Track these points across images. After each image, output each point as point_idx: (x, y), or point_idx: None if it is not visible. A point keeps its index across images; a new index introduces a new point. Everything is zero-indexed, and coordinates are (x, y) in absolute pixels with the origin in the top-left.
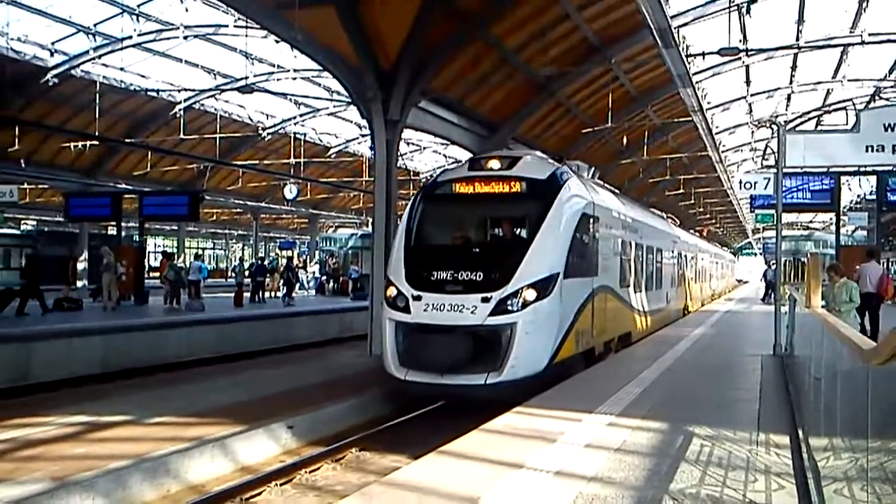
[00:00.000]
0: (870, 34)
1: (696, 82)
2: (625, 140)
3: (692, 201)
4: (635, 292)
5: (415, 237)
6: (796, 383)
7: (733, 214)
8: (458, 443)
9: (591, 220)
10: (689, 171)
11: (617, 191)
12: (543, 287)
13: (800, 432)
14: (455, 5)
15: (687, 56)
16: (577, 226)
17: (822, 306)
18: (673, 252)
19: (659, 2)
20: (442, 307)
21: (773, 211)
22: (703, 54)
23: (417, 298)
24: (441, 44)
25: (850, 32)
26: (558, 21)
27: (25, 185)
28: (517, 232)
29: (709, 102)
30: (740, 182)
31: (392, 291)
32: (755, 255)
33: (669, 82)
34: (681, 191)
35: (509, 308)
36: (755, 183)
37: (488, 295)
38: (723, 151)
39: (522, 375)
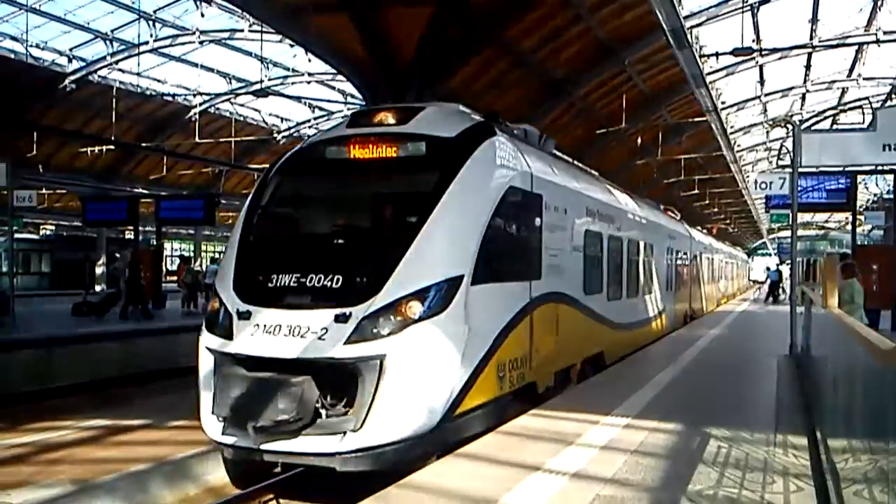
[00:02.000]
0: (885, 32)
1: (711, 82)
2: (639, 141)
3: (707, 201)
4: (611, 300)
5: (257, 227)
6: (813, 384)
7: (748, 215)
8: (474, 445)
9: (529, 201)
10: (704, 171)
11: (593, 172)
12: (436, 297)
13: (818, 433)
14: (468, 9)
15: (700, 56)
16: (501, 206)
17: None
18: (671, 250)
19: (672, 2)
20: (277, 330)
21: (788, 211)
22: (717, 54)
23: (245, 316)
24: (454, 47)
25: (866, 31)
26: (572, 23)
27: (44, 190)
28: (405, 215)
29: (723, 102)
30: (755, 182)
31: (215, 306)
32: (770, 255)
33: (683, 83)
34: (695, 191)
35: (378, 331)
36: (770, 183)
37: (346, 311)
38: (738, 151)
39: (398, 437)
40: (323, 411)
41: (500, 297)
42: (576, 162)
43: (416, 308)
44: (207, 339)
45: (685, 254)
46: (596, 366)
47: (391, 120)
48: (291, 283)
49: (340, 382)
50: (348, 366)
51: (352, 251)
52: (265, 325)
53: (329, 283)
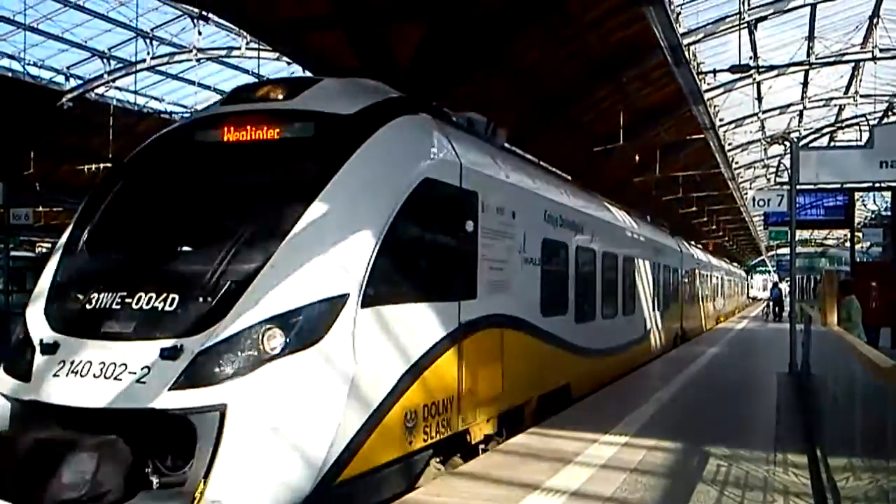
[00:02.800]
0: (881, 50)
1: (708, 100)
2: (637, 158)
3: (705, 218)
4: (581, 322)
5: (91, 232)
6: (813, 402)
7: (746, 232)
8: (473, 464)
9: (458, 199)
10: (702, 188)
11: (567, 177)
12: (307, 323)
13: (818, 452)
14: (464, 28)
15: (698, 74)
16: (411, 203)
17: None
18: (659, 265)
19: (669, 20)
20: (86, 369)
21: (786, 228)
22: (714, 72)
23: (49, 349)
24: (450, 65)
25: (862, 48)
26: (569, 40)
27: (41, 208)
28: (274, 214)
29: (721, 120)
30: (753, 199)
31: (18, 336)
32: (769, 272)
33: (681, 100)
34: (694, 208)
35: (219, 370)
36: (768, 200)
37: (176, 343)
38: (735, 169)
39: None
40: (155, 478)
41: (410, 323)
42: (520, 153)
43: (275, 339)
44: (3, 381)
45: (675, 269)
46: (560, 401)
47: (278, 95)
48: (113, 305)
49: (178, 439)
50: (176, 418)
51: (195, 262)
52: (73, 362)
53: (161, 305)
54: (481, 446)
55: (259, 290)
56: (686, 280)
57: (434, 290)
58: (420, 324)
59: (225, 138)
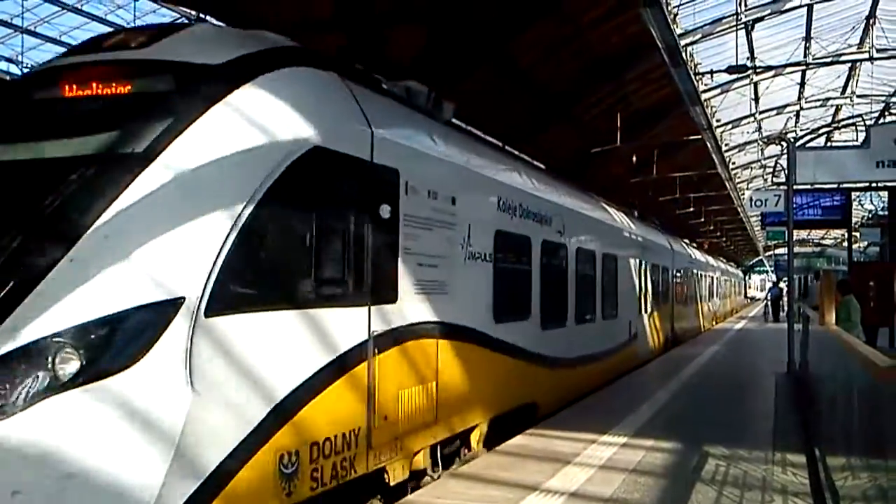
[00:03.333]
0: (878, 50)
1: (705, 100)
2: (634, 159)
3: (703, 219)
4: (549, 329)
5: None
6: (811, 401)
7: (744, 232)
8: (471, 465)
9: (367, 176)
10: (699, 188)
11: (539, 165)
12: (118, 338)
13: (816, 451)
14: (465, 30)
15: (695, 74)
16: (289, 178)
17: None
18: (646, 263)
19: (666, 20)
20: None
21: (783, 228)
22: (712, 72)
23: None
24: (451, 66)
25: (859, 49)
26: (568, 41)
27: None
28: (96, 189)
29: (718, 120)
30: (750, 199)
31: None
32: (767, 272)
33: (678, 101)
34: (691, 208)
35: None
36: (765, 200)
37: None
38: (732, 169)
39: None
40: None
41: (287, 336)
42: (467, 128)
43: (69, 361)
44: None
45: (665, 268)
46: (524, 421)
47: (133, 42)
48: None
49: None
50: None
51: None
52: None
53: None
54: (411, 484)
55: (50, 291)
56: (678, 280)
57: (327, 293)
58: (304, 337)
59: (60, 95)
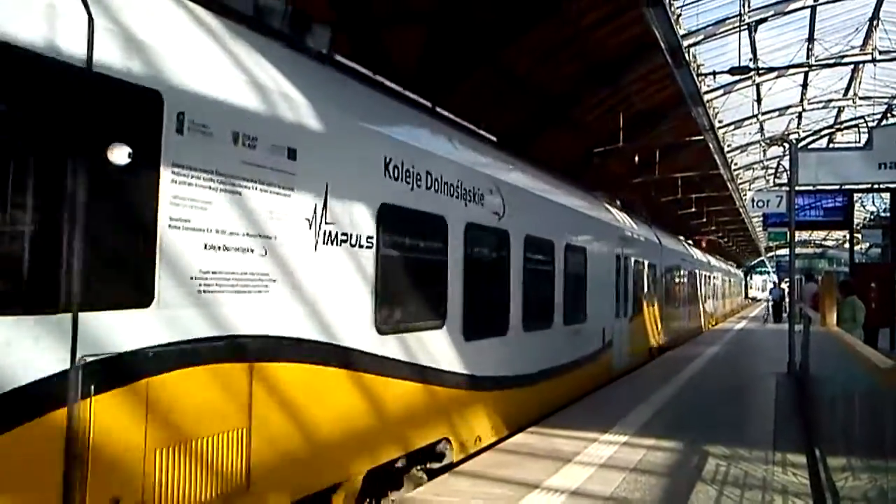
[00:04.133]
0: (881, 52)
1: (708, 101)
2: (636, 159)
3: (704, 219)
4: (475, 338)
5: None
6: (812, 402)
7: (745, 233)
8: (472, 463)
9: (77, 96)
10: (701, 189)
11: (486, 134)
12: None
13: (817, 451)
14: (465, 31)
15: (698, 75)
16: None
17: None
18: (627, 259)
19: (669, 21)
20: None
21: (785, 229)
22: (714, 73)
23: None
24: (451, 68)
25: (862, 50)
26: (569, 42)
27: None
28: None
29: (720, 121)
30: (753, 200)
31: None
32: (769, 272)
33: (681, 102)
34: (693, 209)
35: None
36: (767, 201)
37: None
38: (735, 170)
39: None
40: None
41: None
42: (447, 113)
43: None
44: None
45: (652, 266)
46: (433, 462)
47: None
48: None
49: None
50: None
51: None
52: None
53: None
54: None
55: None
56: (668, 278)
57: None
58: None
59: None
